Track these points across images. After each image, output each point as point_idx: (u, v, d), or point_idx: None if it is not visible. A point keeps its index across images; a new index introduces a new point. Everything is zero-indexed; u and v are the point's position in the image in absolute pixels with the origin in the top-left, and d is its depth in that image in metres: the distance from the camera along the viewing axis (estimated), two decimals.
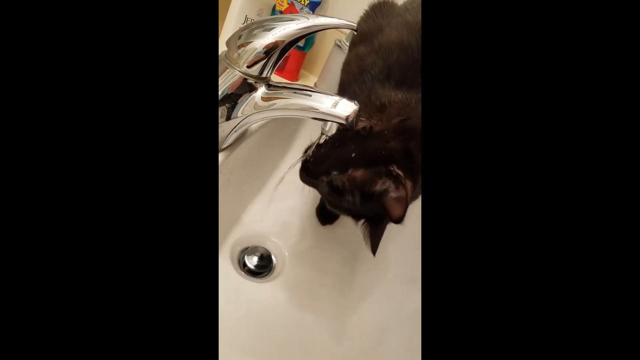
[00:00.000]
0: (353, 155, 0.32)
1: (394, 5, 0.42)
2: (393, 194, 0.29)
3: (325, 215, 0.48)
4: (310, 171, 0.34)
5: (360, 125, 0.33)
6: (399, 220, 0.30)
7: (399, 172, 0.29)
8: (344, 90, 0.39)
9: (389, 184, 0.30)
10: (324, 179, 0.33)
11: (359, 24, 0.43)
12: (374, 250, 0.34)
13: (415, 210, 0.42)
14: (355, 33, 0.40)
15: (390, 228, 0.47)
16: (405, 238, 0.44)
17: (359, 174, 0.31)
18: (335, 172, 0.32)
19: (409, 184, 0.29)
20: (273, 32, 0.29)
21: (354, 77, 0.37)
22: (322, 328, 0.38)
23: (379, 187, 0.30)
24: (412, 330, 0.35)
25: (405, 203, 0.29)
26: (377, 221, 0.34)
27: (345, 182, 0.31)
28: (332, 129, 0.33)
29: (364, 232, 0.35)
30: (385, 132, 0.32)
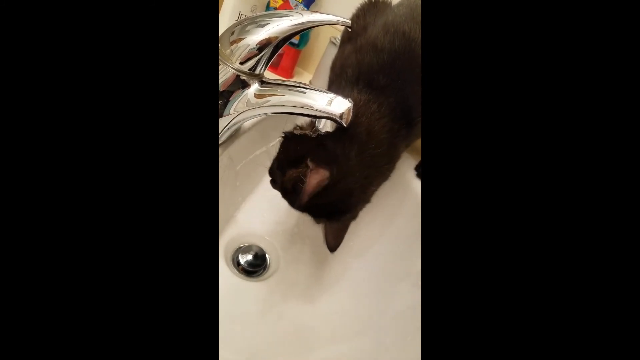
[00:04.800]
0: (281, 157, 0.34)
1: (387, 5, 0.42)
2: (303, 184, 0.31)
3: None
4: (272, 177, 0.36)
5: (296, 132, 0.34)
6: (298, 208, 0.32)
7: (310, 163, 0.31)
8: (330, 89, 0.39)
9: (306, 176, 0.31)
10: (278, 182, 0.35)
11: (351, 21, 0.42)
12: (330, 248, 0.36)
13: (407, 207, 0.42)
14: (350, 30, 0.40)
15: (386, 226, 0.47)
16: (398, 235, 0.44)
17: (291, 173, 0.33)
18: (279, 174, 0.34)
19: (321, 171, 0.31)
20: (266, 28, 0.29)
21: (335, 77, 0.38)
22: (318, 326, 0.38)
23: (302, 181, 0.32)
24: (408, 327, 0.35)
25: (307, 190, 0.31)
26: (331, 218, 0.35)
27: (287, 182, 0.33)
28: (326, 126, 0.33)
29: (323, 230, 0.36)
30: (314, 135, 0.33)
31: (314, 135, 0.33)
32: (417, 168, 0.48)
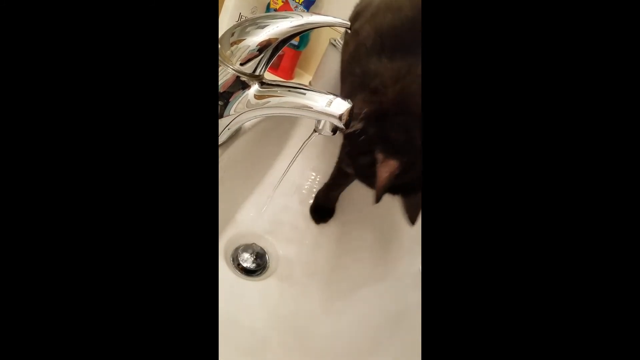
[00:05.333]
0: (348, 149, 0.34)
1: None
2: (377, 176, 0.31)
3: (319, 213, 0.48)
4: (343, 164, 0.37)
5: (353, 126, 0.33)
6: (377, 201, 0.32)
7: (378, 155, 0.31)
8: (345, 71, 0.37)
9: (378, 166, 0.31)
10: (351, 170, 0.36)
11: (355, 7, 0.42)
12: (411, 220, 0.36)
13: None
14: (349, 31, 0.40)
15: (386, 226, 0.47)
16: (398, 234, 0.44)
17: (363, 160, 0.33)
18: (349, 161, 0.35)
19: (391, 162, 0.31)
20: (266, 29, 0.29)
21: (351, 56, 0.36)
22: (316, 327, 0.38)
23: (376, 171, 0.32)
24: (407, 328, 0.35)
25: (380, 184, 0.31)
26: (409, 195, 0.35)
27: (362, 170, 0.34)
28: (325, 127, 0.33)
29: (400, 204, 0.36)
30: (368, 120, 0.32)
31: (350, 130, 0.32)
32: None
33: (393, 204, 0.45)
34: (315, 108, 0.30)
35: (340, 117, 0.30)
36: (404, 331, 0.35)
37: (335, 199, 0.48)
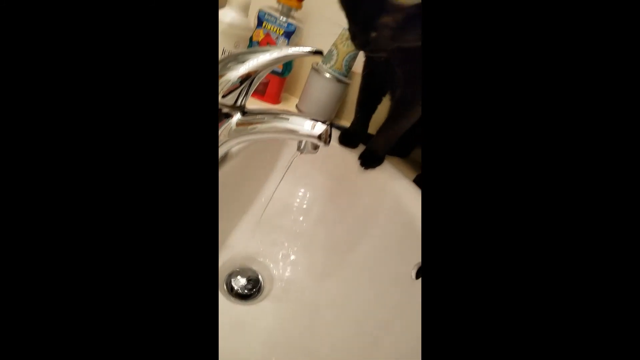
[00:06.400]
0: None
1: None
2: None
3: (369, 159, 0.49)
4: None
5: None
6: None
7: None
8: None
9: None
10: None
11: None
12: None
13: (406, 210, 0.43)
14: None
15: (384, 231, 0.47)
16: (396, 243, 0.45)
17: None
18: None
19: None
20: (246, 64, 0.31)
21: None
22: (313, 345, 0.38)
23: None
24: (408, 336, 0.35)
25: None
26: None
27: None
28: (307, 146, 0.35)
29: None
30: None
31: None
32: (416, 180, 0.49)
33: (391, 219, 0.46)
34: (295, 130, 0.32)
35: (319, 137, 0.32)
36: (404, 339, 0.35)
37: (387, 146, 0.49)
